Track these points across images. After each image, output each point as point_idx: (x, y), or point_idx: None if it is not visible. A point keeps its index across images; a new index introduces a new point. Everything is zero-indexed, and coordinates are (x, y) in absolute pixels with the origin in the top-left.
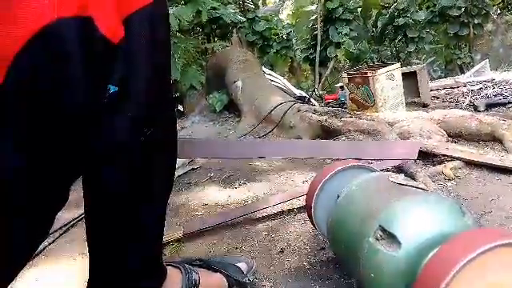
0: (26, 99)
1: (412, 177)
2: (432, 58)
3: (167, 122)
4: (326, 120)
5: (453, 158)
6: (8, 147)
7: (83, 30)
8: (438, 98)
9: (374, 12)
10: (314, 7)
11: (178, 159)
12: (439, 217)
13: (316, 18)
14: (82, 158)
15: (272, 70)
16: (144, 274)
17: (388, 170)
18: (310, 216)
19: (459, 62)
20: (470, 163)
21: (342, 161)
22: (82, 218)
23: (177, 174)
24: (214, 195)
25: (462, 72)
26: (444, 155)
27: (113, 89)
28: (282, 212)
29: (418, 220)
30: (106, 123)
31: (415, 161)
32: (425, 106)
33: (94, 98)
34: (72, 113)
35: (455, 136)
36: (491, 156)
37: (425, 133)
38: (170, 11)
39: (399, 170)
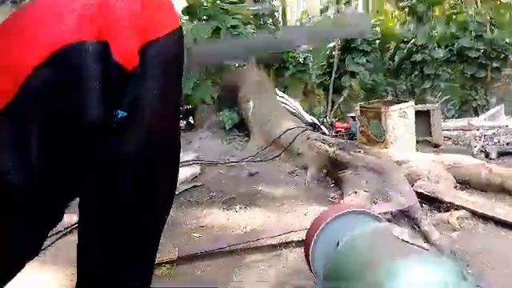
0: (35, 117)
1: (416, 224)
2: (447, 97)
3: (171, 143)
4: (334, 152)
5: (459, 207)
6: (17, 161)
7: (99, 53)
8: (449, 138)
9: (392, 45)
10: None
11: (180, 169)
12: (440, 280)
13: (334, 46)
14: (85, 171)
15: (285, 92)
16: None
17: (392, 214)
18: (308, 261)
19: (474, 104)
20: (476, 214)
21: (343, 204)
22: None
23: (179, 189)
24: (213, 217)
25: (477, 114)
26: (451, 203)
27: (121, 114)
28: (280, 244)
29: (418, 281)
30: (112, 140)
31: (422, 205)
32: (436, 146)
33: (104, 121)
34: (80, 134)
35: (464, 183)
36: (499, 210)
37: (433, 177)
38: (189, 27)
39: (404, 214)
